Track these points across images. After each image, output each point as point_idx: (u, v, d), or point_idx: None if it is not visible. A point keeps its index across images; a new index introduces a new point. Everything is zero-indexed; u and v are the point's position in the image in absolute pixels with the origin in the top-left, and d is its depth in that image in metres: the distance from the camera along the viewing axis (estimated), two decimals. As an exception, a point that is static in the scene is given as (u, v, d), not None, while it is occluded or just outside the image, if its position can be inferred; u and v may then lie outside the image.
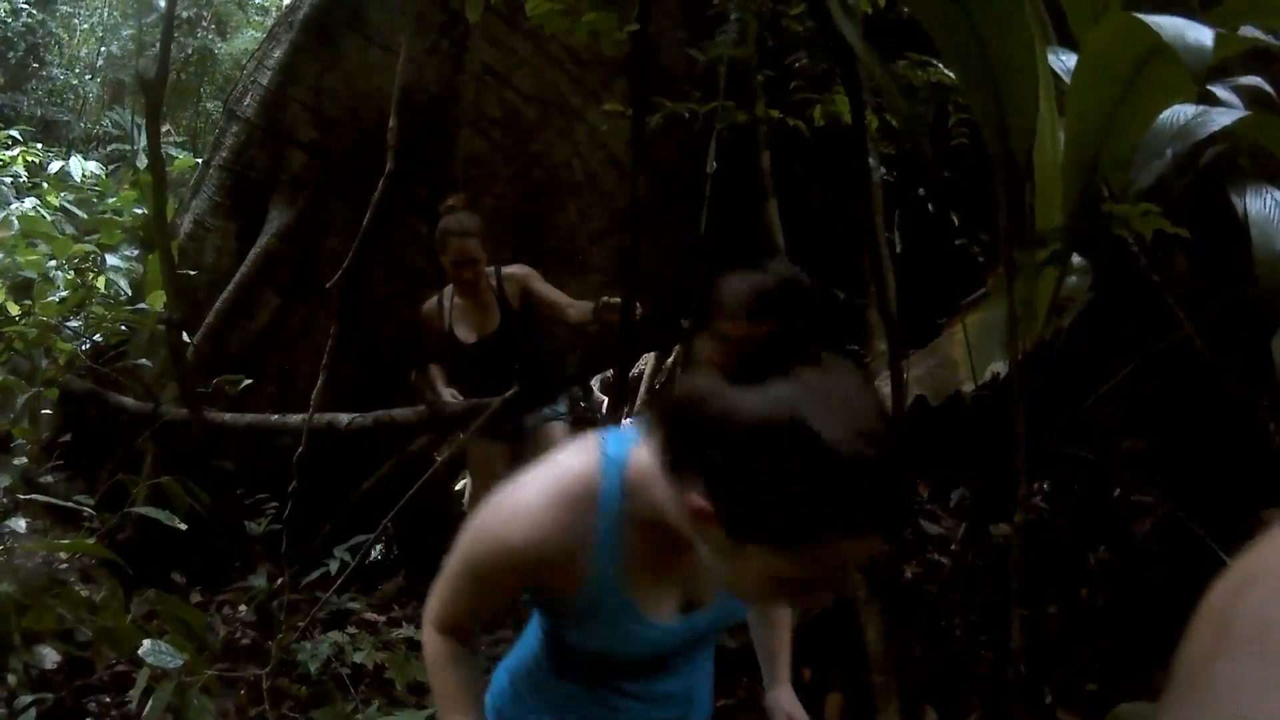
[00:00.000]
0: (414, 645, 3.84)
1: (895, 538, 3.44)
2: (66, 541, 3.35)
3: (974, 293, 3.71)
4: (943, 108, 3.70)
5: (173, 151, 8.39)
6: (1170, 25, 1.93)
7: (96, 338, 4.24)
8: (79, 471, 4.48)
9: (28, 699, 2.81)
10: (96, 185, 6.49)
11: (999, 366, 3.26)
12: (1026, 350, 2.86)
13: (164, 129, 9.72)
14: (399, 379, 4.40)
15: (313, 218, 4.33)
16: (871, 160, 3.97)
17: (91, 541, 3.15)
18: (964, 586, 3.59)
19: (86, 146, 11.01)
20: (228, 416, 3.91)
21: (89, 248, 4.12)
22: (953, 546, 3.74)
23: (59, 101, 11.92)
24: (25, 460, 4.26)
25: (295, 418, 3.89)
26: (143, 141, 8.80)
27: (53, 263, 4.13)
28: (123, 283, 4.35)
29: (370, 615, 4.03)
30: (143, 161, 8.11)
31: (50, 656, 3.10)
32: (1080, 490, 3.91)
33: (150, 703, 2.54)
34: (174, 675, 2.58)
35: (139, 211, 4.50)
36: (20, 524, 3.40)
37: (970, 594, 3.61)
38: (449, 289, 3.95)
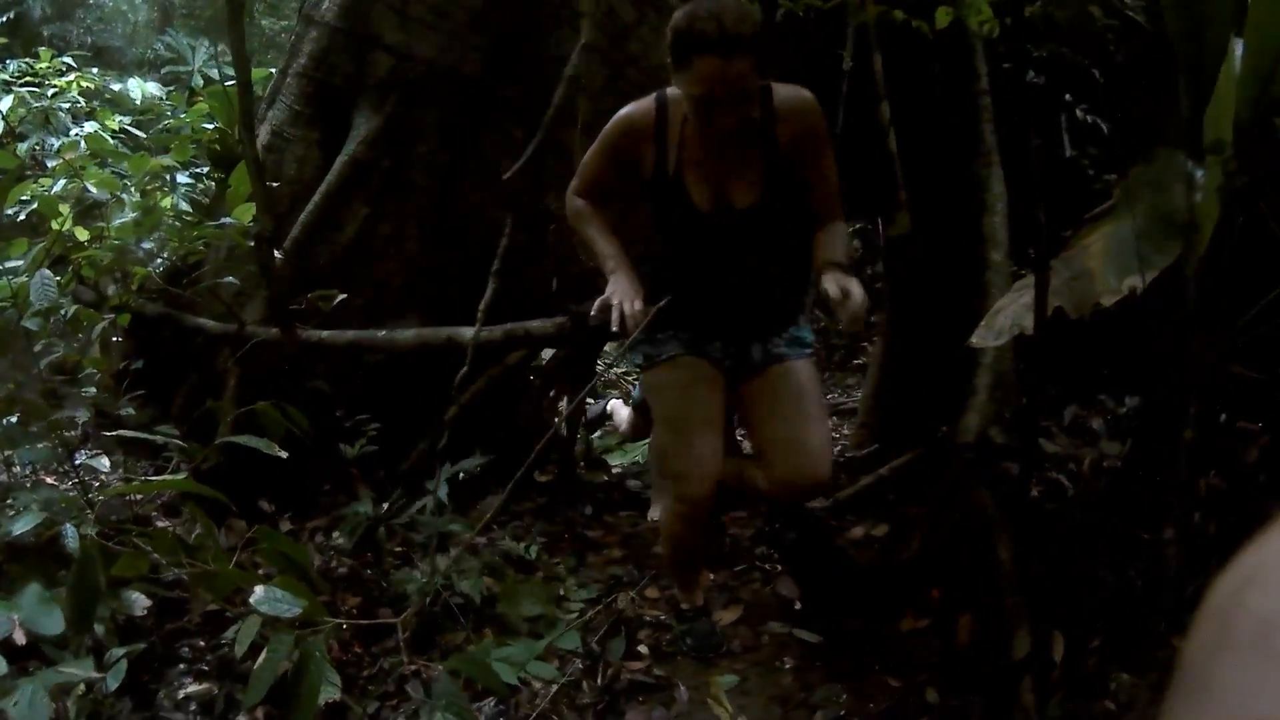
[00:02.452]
0: (523, 567, 3.46)
1: (1023, 455, 3.07)
2: (158, 479, 2.96)
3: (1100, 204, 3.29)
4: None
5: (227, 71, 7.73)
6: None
7: (171, 258, 3.80)
8: (152, 399, 4.09)
9: (119, 651, 2.45)
10: (153, 109, 5.98)
11: (1135, 281, 2.88)
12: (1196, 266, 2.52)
13: (216, 49, 9.13)
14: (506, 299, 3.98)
15: (401, 123, 3.86)
16: (980, 63, 3.50)
17: (184, 478, 2.76)
18: (1094, 509, 3.21)
19: (140, 71, 10.43)
20: (325, 334, 3.47)
21: (166, 161, 3.65)
22: (1072, 465, 3.37)
23: (108, 28, 11.30)
24: (95, 391, 3.88)
25: (407, 334, 3.41)
26: (198, 63, 8.28)
27: (124, 181, 3.67)
28: (185, 206, 3.91)
29: (470, 536, 3.64)
30: (199, 82, 7.51)
31: (140, 602, 2.74)
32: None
33: (264, 656, 2.15)
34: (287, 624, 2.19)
35: (208, 127, 4.02)
36: (104, 461, 3.01)
37: (1097, 516, 3.23)
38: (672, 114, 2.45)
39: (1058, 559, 3.07)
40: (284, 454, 2.80)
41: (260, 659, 2.15)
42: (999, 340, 3.01)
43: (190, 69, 8.22)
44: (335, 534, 3.59)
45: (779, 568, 3.31)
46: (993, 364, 3.37)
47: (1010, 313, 3.04)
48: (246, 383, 3.69)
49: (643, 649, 2.98)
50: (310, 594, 2.22)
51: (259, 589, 2.15)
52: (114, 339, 3.91)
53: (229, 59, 3.13)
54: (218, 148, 3.96)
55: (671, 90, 2.42)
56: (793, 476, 2.63)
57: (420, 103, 3.89)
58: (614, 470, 4.74)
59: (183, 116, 4.18)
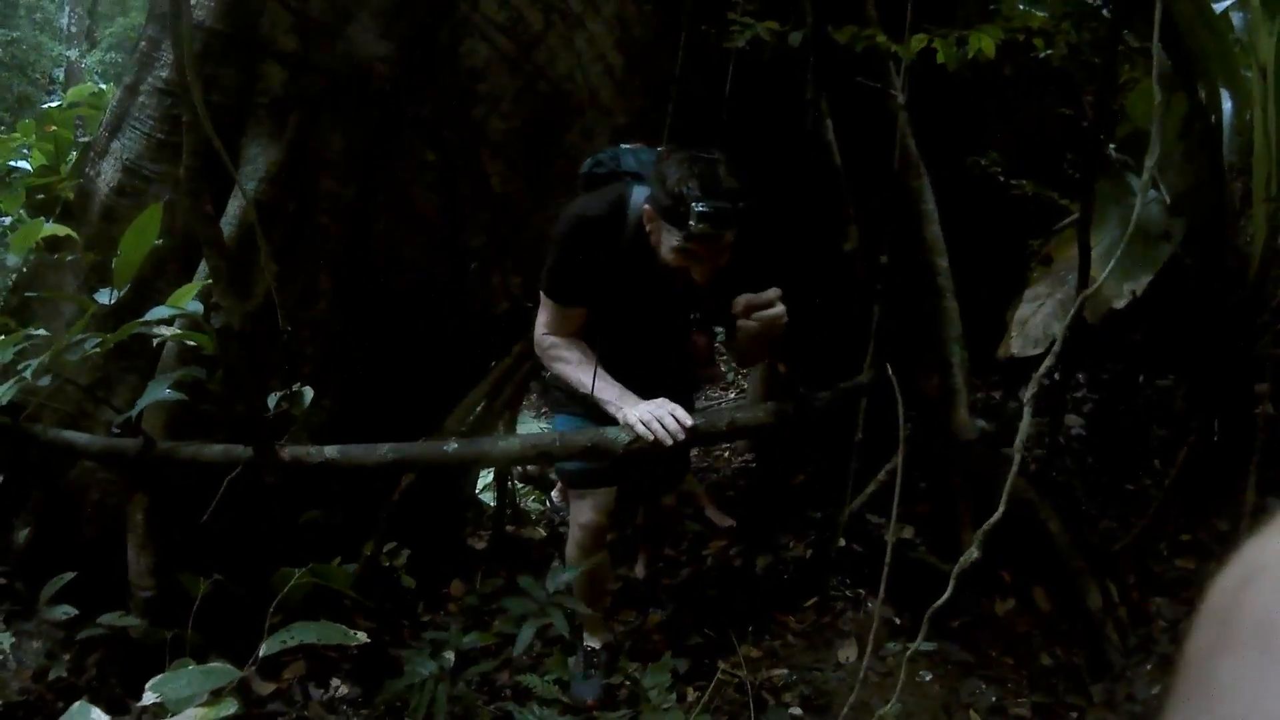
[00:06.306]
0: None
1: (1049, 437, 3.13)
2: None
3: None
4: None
5: None
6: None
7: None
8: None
9: None
10: None
11: (1134, 285, 3.01)
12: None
13: None
14: (430, 353, 3.14)
15: (303, 152, 2.83)
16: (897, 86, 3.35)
17: None
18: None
19: None
20: (335, 451, 2.33)
21: (66, 231, 2.31)
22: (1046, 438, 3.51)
23: None
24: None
25: (511, 443, 2.29)
26: None
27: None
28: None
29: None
30: None
31: None
32: (1110, 380, 3.77)
33: None
34: None
35: (18, 166, 2.64)
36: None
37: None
38: None
39: (1073, 518, 3.15)
40: (364, 638, 1.93)
41: None
42: (1038, 348, 2.96)
43: None
44: (335, 682, 2.63)
45: (860, 591, 3.01)
46: (962, 363, 3.30)
47: (1039, 322, 3.00)
48: (161, 515, 2.53)
49: (795, 710, 2.55)
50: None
51: None
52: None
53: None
54: (44, 195, 2.61)
55: None
56: None
57: (323, 125, 2.90)
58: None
59: (-9, 157, 2.67)
